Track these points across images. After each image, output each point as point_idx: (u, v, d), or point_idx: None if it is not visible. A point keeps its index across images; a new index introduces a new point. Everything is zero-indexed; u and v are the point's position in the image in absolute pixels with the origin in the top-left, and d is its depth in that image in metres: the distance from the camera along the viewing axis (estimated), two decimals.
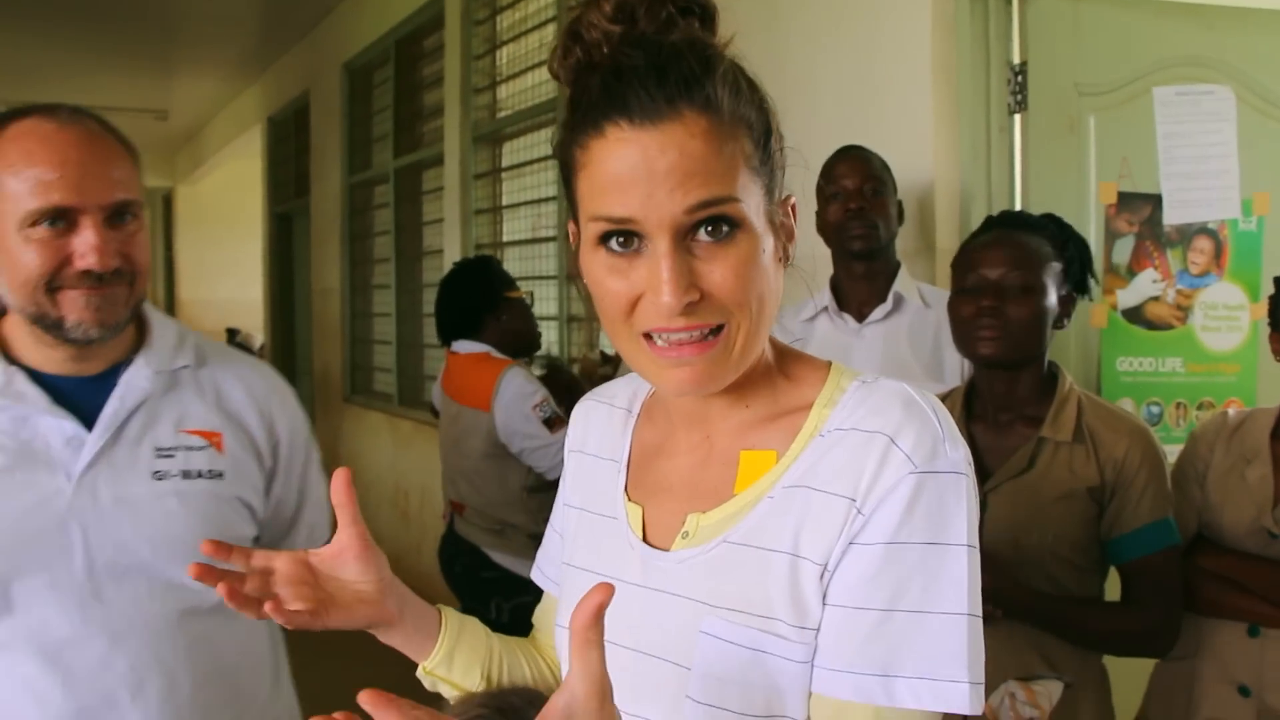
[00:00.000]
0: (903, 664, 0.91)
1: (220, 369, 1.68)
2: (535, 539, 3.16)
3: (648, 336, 0.95)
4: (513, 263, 5.20)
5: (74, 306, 1.46)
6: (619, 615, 1.03)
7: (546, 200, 5.04)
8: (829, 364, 1.05)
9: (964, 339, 1.95)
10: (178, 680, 1.54)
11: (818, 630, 0.94)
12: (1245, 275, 2.87)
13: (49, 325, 1.48)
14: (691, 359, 0.94)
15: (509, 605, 3.16)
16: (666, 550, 1.03)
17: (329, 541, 1.82)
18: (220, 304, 11.96)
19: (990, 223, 2.07)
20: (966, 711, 0.91)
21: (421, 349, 6.46)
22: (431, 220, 6.34)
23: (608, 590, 0.83)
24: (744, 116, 0.95)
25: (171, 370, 1.62)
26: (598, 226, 0.94)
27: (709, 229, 0.92)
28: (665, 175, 0.90)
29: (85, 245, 1.44)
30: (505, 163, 5.57)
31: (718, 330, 0.94)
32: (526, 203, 5.30)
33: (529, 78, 5.23)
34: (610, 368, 3.50)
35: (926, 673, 0.90)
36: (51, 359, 1.54)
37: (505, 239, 5.53)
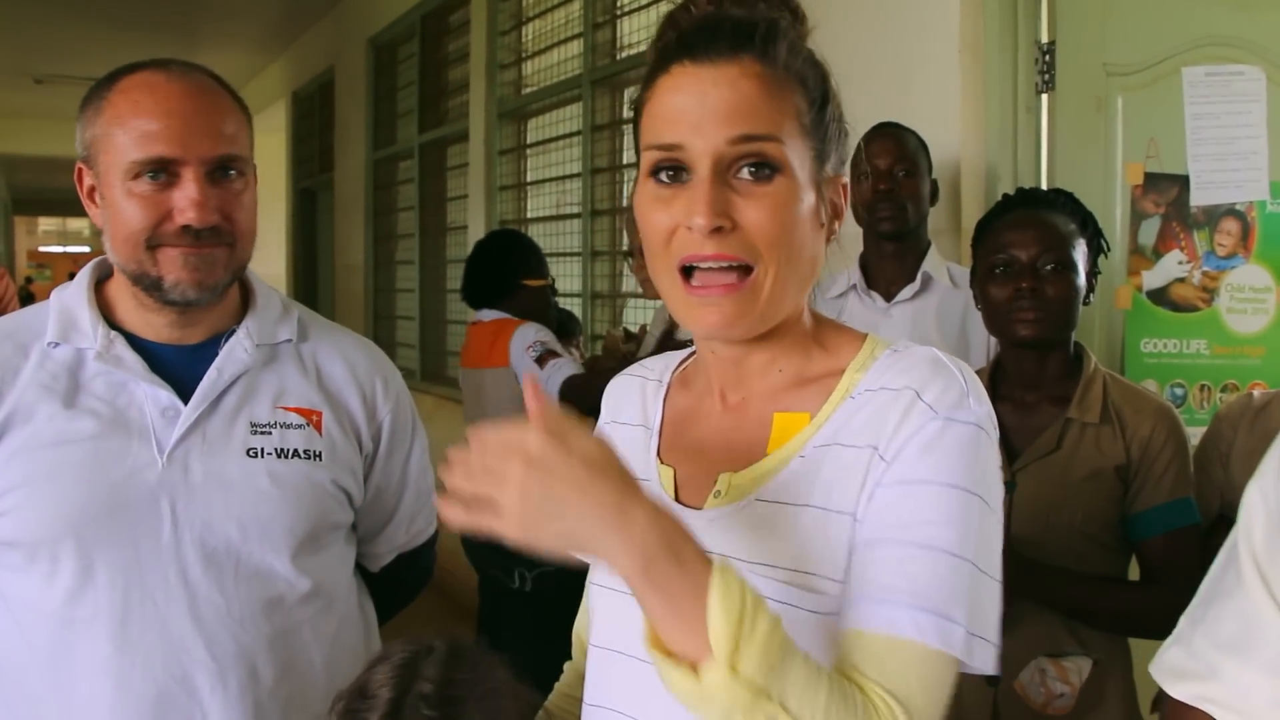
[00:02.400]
0: (910, 595, 0.91)
1: (324, 345, 1.61)
2: None
3: (685, 274, 0.99)
4: (536, 239, 5.22)
5: (172, 265, 1.42)
6: None
7: (571, 177, 5.04)
8: (865, 335, 1.08)
9: (1001, 321, 1.94)
10: (260, 671, 1.46)
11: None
12: (1273, 258, 2.86)
13: (149, 285, 1.44)
14: (719, 299, 0.98)
15: (531, 574, 3.20)
16: (699, 509, 1.05)
17: (431, 536, 1.79)
18: None
19: (1010, 201, 2.06)
20: (961, 656, 0.91)
21: (444, 324, 6.48)
22: (456, 196, 6.36)
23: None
24: (801, 76, 1.01)
25: (273, 344, 1.56)
26: (650, 156, 1.00)
27: (751, 168, 0.97)
28: (714, 106, 0.97)
29: (185, 199, 1.39)
30: (530, 139, 5.58)
31: (746, 273, 0.98)
32: (551, 179, 5.31)
33: (554, 54, 5.23)
34: (634, 344, 3.52)
35: (929, 607, 0.91)
36: (153, 325, 1.49)
37: (529, 215, 5.55)
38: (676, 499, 1.08)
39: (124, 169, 1.40)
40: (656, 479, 1.10)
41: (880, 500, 0.95)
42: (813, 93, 1.02)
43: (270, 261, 11.48)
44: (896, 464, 0.95)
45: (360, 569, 1.72)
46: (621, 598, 1.08)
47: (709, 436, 1.09)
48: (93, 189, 1.47)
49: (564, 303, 4.47)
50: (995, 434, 0.99)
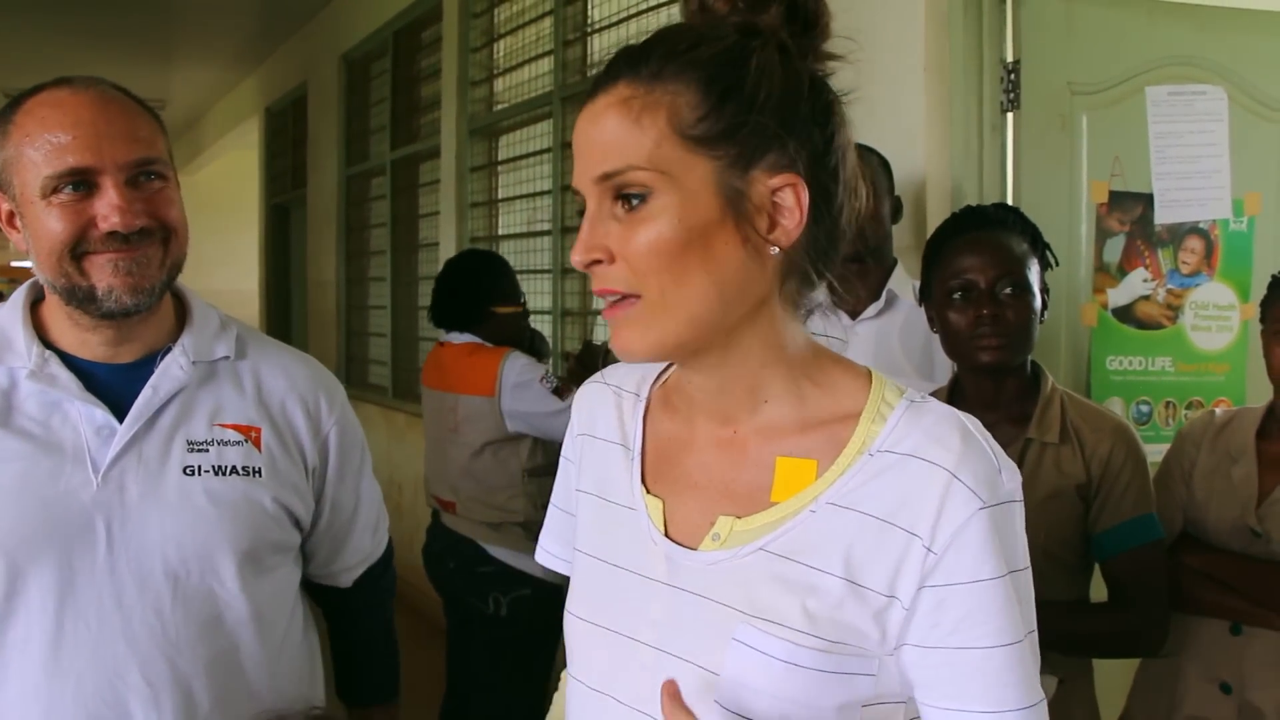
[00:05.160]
0: (1012, 697, 0.94)
1: (263, 361, 1.59)
2: (530, 529, 3.16)
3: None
4: (507, 256, 5.20)
5: (102, 273, 1.39)
6: (642, 611, 1.03)
7: (542, 194, 5.03)
8: (869, 372, 1.04)
9: (962, 348, 1.93)
10: (196, 696, 1.43)
11: (862, 649, 0.95)
12: (1236, 275, 2.88)
13: (82, 299, 1.41)
14: (617, 324, 0.97)
15: (507, 599, 3.16)
16: (693, 549, 1.01)
17: (386, 546, 1.80)
18: (216, 294, 11.76)
19: (960, 222, 2.03)
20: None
21: (416, 342, 6.46)
22: (428, 213, 6.34)
23: (674, 685, 0.93)
24: (686, 84, 0.94)
25: (210, 361, 1.53)
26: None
27: (622, 199, 0.95)
28: (583, 145, 0.97)
29: (107, 206, 1.37)
30: (501, 156, 5.57)
31: (638, 298, 0.96)
32: (522, 196, 5.29)
33: (526, 71, 5.22)
34: (598, 359, 3.50)
35: (1025, 704, 0.95)
36: (87, 344, 1.47)
37: (501, 232, 5.54)
38: (666, 534, 1.04)
39: (40, 186, 1.38)
40: (644, 510, 1.06)
41: (946, 603, 0.94)
42: (710, 95, 0.94)
43: (243, 277, 11.42)
44: (950, 560, 0.93)
45: (334, 593, 1.73)
46: (618, 640, 1.05)
47: (701, 471, 1.04)
48: (12, 214, 1.45)
49: (534, 320, 4.45)
50: (1023, 498, 0.98)
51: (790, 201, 0.97)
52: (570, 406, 3.27)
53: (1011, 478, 0.96)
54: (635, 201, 0.94)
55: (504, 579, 3.17)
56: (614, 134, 0.95)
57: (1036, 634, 0.97)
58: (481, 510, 3.25)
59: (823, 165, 0.99)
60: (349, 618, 1.80)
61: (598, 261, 0.96)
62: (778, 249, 0.97)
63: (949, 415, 0.98)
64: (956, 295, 1.92)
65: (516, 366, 3.21)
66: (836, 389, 1.02)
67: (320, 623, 1.73)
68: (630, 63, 0.96)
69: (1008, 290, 1.90)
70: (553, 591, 3.07)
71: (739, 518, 1.00)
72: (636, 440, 1.11)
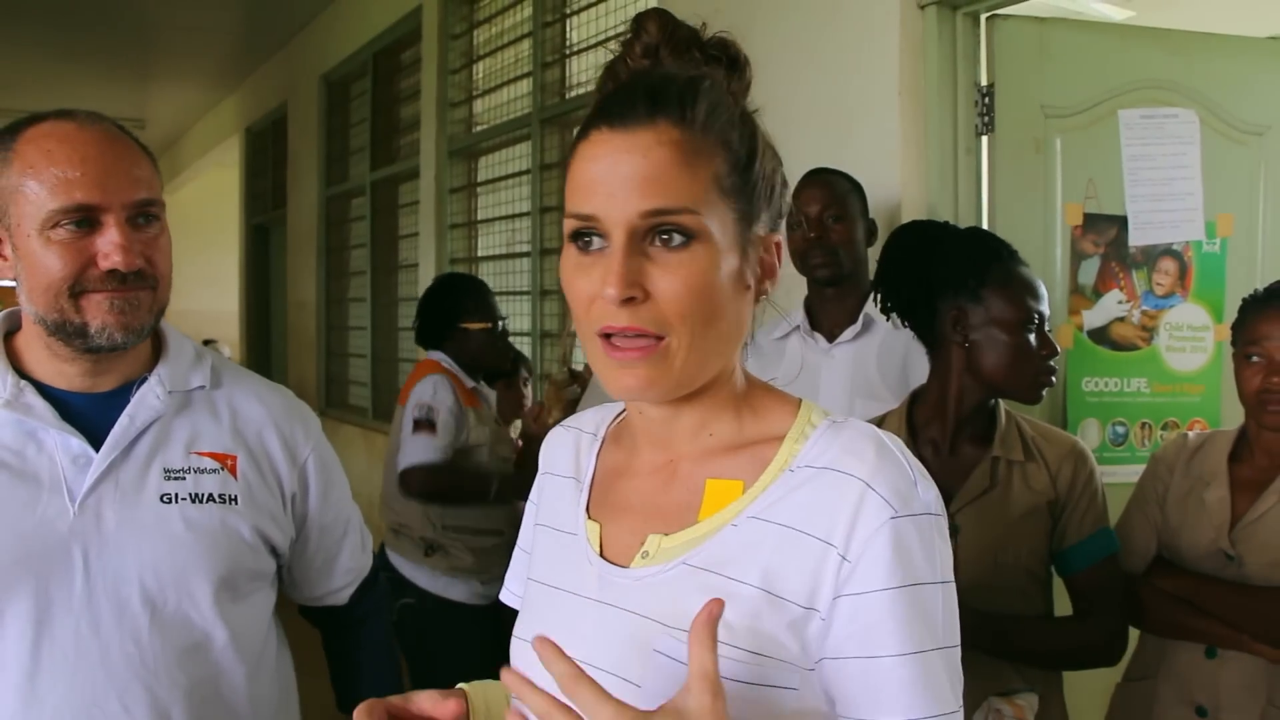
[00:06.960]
0: (922, 705, 0.93)
1: (238, 391, 1.60)
2: (425, 544, 3.20)
3: (606, 338, 0.98)
4: (486, 278, 5.19)
5: (98, 311, 1.40)
6: (573, 628, 1.05)
7: (521, 215, 5.04)
8: (799, 400, 1.07)
9: (1030, 381, 1.94)
10: None
11: (781, 661, 0.95)
12: (1209, 296, 2.90)
13: (71, 333, 1.41)
14: (634, 362, 0.98)
15: (395, 605, 3.18)
16: (625, 567, 1.04)
17: (373, 564, 1.81)
18: (196, 314, 11.90)
19: (1010, 252, 2.01)
20: None
21: (396, 363, 6.44)
22: (407, 234, 6.34)
23: (720, 604, 0.87)
24: (723, 138, 0.99)
25: (186, 390, 1.54)
26: (569, 224, 0.99)
27: (664, 236, 0.96)
28: (627, 177, 0.96)
29: (109, 244, 1.38)
30: (481, 177, 5.57)
31: (661, 338, 0.97)
32: (501, 218, 5.30)
33: (505, 92, 5.23)
34: (578, 386, 3.51)
35: (936, 711, 0.94)
36: (64, 374, 1.47)
37: (480, 254, 5.54)
38: (601, 555, 1.07)
39: (41, 219, 1.38)
40: (584, 534, 1.10)
41: (858, 612, 0.94)
42: (736, 153, 1.00)
43: (223, 297, 11.37)
44: (863, 568, 0.94)
45: (333, 612, 1.75)
46: (560, 593, 1.09)
47: (635, 496, 1.08)
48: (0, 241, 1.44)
49: (513, 342, 4.44)
50: (943, 509, 0.99)
51: (773, 257, 1.06)
52: (422, 439, 3.29)
53: (928, 491, 0.98)
54: (679, 240, 0.96)
55: (393, 585, 3.20)
56: (668, 172, 0.96)
57: (959, 650, 0.97)
58: (386, 513, 3.35)
59: (777, 227, 1.07)
60: (351, 631, 1.81)
61: (632, 298, 0.96)
62: (761, 297, 1.06)
63: (866, 431, 1.01)
64: (1030, 326, 1.93)
65: (425, 388, 3.26)
66: (770, 415, 1.06)
67: (297, 647, 1.73)
68: (676, 106, 0.98)
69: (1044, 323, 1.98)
70: (441, 607, 3.16)
71: (666, 535, 1.03)
72: (588, 473, 1.15)
